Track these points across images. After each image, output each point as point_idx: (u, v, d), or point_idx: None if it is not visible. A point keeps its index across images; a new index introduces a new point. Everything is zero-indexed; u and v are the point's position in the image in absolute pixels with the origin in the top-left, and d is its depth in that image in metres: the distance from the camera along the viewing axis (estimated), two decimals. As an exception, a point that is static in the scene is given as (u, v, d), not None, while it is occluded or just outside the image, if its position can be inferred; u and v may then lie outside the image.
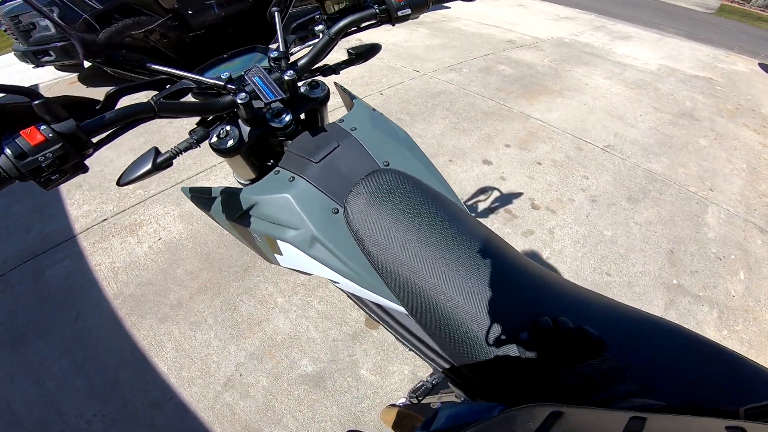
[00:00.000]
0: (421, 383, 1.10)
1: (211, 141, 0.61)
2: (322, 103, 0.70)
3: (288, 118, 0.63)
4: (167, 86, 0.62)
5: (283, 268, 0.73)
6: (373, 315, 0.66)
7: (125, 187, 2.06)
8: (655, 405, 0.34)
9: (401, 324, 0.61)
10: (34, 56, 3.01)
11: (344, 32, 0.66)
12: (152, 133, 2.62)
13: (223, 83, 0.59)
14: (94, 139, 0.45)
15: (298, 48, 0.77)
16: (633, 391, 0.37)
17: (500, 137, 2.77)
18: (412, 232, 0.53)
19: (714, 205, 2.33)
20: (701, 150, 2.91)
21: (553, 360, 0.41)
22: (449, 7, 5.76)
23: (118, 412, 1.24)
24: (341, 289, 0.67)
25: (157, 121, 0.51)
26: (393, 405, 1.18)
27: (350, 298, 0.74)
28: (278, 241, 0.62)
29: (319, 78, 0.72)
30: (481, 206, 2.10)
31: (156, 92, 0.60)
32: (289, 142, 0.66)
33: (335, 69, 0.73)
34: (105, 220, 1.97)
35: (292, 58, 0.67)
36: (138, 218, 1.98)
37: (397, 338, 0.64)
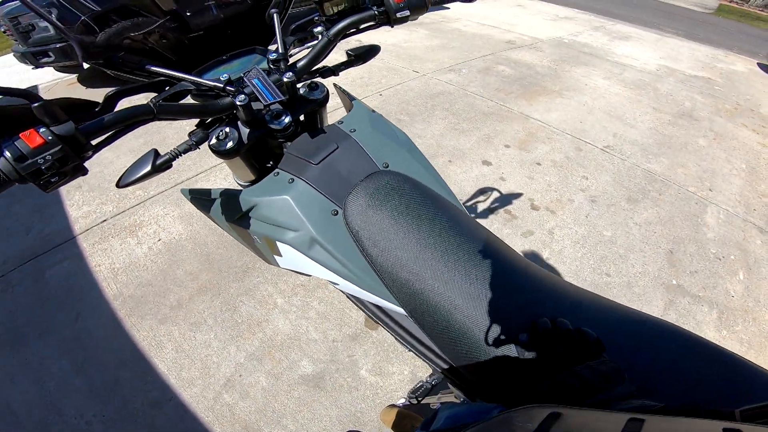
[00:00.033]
0: (421, 384, 1.10)
1: (211, 143, 0.61)
2: (321, 105, 0.69)
3: (287, 119, 0.63)
4: (166, 88, 0.62)
5: (283, 269, 0.73)
6: (372, 316, 0.66)
7: (125, 188, 2.06)
8: (654, 406, 0.34)
9: (401, 325, 0.61)
10: (34, 57, 3.01)
11: (343, 34, 0.66)
12: (152, 134, 2.62)
13: (222, 85, 0.59)
14: (94, 142, 0.45)
15: (297, 50, 0.77)
16: (632, 393, 0.37)
17: (500, 138, 2.77)
18: (411, 234, 0.53)
19: (713, 206, 2.33)
20: (700, 150, 2.92)
21: (552, 361, 0.41)
22: (448, 8, 5.76)
23: (118, 413, 1.25)
24: (341, 291, 0.67)
25: (157, 122, 0.51)
26: (393, 405, 1.18)
27: (350, 299, 0.74)
28: (278, 243, 0.62)
29: (318, 79, 0.72)
30: (481, 207, 2.10)
31: (155, 94, 0.60)
32: (289, 143, 0.66)
33: (334, 70, 0.73)
34: (105, 221, 1.97)
35: (291, 60, 0.67)
36: (138, 219, 1.98)
37: (396, 339, 0.64)
